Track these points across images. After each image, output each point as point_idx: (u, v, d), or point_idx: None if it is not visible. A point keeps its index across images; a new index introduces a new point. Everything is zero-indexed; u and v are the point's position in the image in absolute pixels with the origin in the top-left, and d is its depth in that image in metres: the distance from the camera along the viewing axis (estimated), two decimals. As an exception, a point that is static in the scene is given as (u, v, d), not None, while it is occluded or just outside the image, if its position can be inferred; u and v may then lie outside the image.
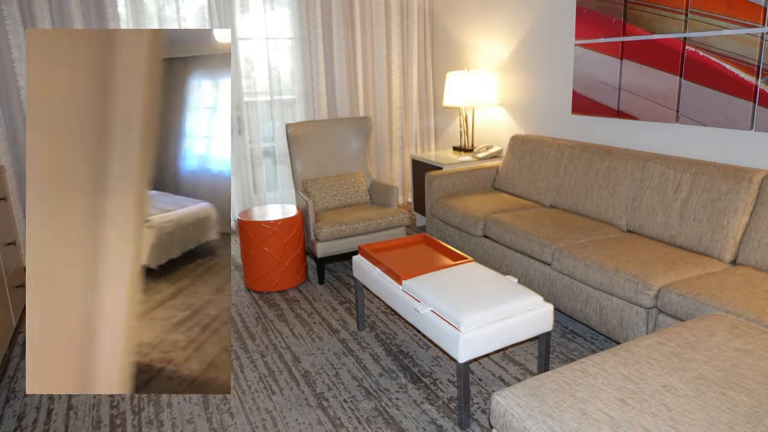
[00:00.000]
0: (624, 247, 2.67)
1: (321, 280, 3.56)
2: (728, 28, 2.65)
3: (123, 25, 4.03)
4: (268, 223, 3.32)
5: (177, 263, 2.66)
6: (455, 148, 4.67)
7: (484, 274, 2.39)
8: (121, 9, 4.01)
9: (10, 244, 2.89)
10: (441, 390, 2.36)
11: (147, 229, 2.51)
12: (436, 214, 3.80)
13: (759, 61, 2.55)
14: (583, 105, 3.54)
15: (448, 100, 4.39)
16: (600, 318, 2.57)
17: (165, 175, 3.01)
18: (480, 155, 4.28)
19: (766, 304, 2.01)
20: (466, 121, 4.53)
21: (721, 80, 2.71)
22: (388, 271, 2.51)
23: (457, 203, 3.62)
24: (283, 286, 3.46)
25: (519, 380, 2.42)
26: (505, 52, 4.25)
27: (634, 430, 1.30)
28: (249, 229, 3.34)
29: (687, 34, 2.84)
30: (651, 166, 2.90)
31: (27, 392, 2.25)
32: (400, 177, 5.22)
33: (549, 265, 2.86)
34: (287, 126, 3.84)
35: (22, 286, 3.01)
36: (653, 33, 3.00)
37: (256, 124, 4.62)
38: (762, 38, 2.53)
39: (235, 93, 4.49)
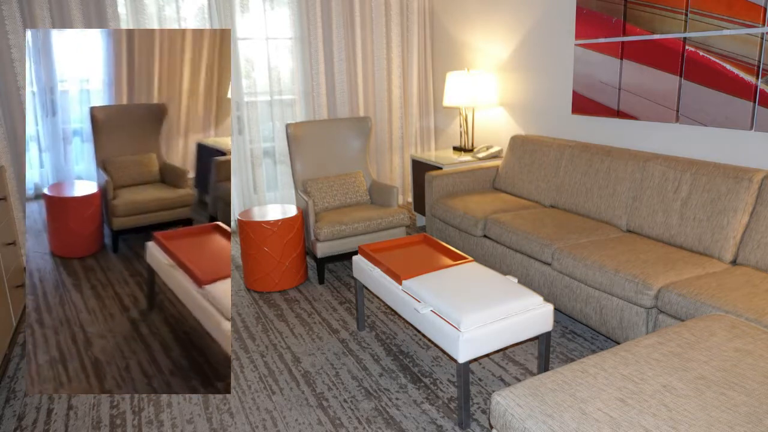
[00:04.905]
0: (624, 247, 2.67)
1: (321, 280, 3.56)
2: (728, 28, 2.65)
3: (123, 25, 4.03)
4: (268, 223, 3.32)
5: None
6: (455, 148, 4.67)
7: (484, 274, 2.39)
8: (121, 9, 4.01)
9: (10, 244, 2.89)
10: (441, 390, 2.36)
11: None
12: (436, 214, 3.80)
13: (759, 61, 2.55)
14: (583, 105, 3.54)
15: (448, 100, 4.39)
16: (600, 318, 2.57)
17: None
18: (480, 155, 4.28)
19: (766, 304, 2.01)
20: (466, 121, 4.53)
21: (721, 80, 2.71)
22: (388, 271, 2.51)
23: (457, 203, 3.62)
24: (283, 286, 3.46)
25: (519, 380, 2.42)
26: (505, 52, 4.25)
27: (634, 430, 1.30)
28: (249, 229, 3.34)
29: (687, 34, 2.84)
30: (651, 166, 2.90)
31: (27, 393, 2.25)
32: (400, 177, 5.22)
33: (549, 265, 2.86)
34: (287, 126, 3.84)
35: (22, 286, 3.01)
36: (653, 33, 3.00)
37: (256, 124, 4.62)
38: (762, 38, 2.53)
39: (235, 93, 4.49)
